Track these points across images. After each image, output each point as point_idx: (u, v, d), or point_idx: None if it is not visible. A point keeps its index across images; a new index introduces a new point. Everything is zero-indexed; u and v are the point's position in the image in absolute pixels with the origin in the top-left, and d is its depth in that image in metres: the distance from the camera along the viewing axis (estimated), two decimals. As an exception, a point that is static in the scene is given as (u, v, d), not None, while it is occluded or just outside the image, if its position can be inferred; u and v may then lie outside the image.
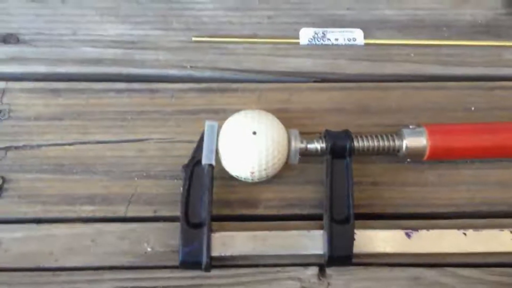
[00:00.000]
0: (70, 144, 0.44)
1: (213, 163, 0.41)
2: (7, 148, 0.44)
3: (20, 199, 0.42)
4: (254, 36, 0.49)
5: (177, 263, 0.39)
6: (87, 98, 0.46)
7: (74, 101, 0.46)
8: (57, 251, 0.41)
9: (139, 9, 0.49)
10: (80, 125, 0.45)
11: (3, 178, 0.43)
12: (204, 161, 0.41)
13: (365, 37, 0.49)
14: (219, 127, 0.42)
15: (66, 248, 0.41)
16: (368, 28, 0.49)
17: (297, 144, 0.42)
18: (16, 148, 0.44)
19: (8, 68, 0.47)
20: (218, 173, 0.42)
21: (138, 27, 0.49)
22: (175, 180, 0.43)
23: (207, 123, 0.42)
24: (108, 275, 0.40)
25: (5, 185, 0.42)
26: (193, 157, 0.42)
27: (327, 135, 0.42)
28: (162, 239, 0.41)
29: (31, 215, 0.42)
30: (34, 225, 0.41)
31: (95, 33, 0.48)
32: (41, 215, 0.42)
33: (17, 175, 0.43)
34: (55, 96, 0.46)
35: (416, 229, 0.41)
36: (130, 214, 0.42)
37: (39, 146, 0.44)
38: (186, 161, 0.42)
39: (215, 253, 0.39)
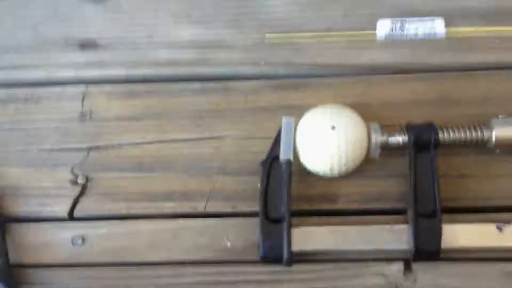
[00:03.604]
0: (149, 143, 0.45)
1: (291, 158, 0.40)
2: (89, 148, 0.45)
3: (104, 197, 0.43)
4: (329, 30, 0.48)
5: (257, 258, 0.39)
6: (163, 99, 0.46)
7: (151, 102, 0.46)
8: (141, 247, 0.41)
9: (212, 10, 0.50)
10: (158, 124, 0.45)
11: (87, 177, 0.44)
12: (282, 156, 0.40)
13: (446, 26, 0.46)
14: (296, 121, 0.41)
15: (149, 244, 0.41)
16: (449, 17, 0.47)
17: (378, 138, 0.41)
18: (98, 148, 0.45)
19: (87, 72, 0.48)
20: (296, 168, 0.41)
21: (211, 27, 0.49)
22: (252, 176, 0.43)
23: (284, 119, 0.42)
24: (190, 269, 0.40)
25: (89, 184, 0.44)
26: (270, 153, 0.41)
27: (409, 128, 0.41)
28: (242, 234, 0.41)
29: (114, 212, 0.43)
30: (117, 222, 0.42)
31: (170, 36, 0.49)
32: (124, 211, 0.43)
33: (100, 174, 0.44)
34: (133, 98, 0.47)
35: (508, 222, 0.38)
36: (209, 210, 0.42)
37: (119, 145, 0.45)
38: (262, 157, 0.42)
39: (295, 248, 0.38)
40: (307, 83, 0.46)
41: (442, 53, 0.46)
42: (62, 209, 0.43)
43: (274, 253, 0.38)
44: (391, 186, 0.41)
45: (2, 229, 0.41)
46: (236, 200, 0.42)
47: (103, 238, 0.42)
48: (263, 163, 0.41)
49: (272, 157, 0.41)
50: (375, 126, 0.41)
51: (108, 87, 0.47)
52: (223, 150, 0.44)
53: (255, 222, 0.40)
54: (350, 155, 0.40)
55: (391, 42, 0.47)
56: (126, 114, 0.46)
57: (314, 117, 0.41)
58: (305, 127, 0.41)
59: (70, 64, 0.48)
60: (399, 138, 0.41)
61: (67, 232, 0.42)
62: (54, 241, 0.42)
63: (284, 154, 0.41)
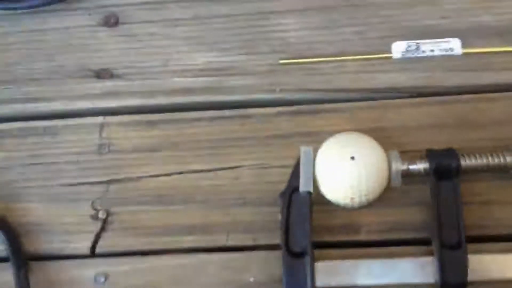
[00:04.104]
0: (167, 175, 0.45)
1: (311, 190, 0.40)
2: (109, 182, 0.45)
3: (125, 232, 0.43)
4: (343, 53, 0.48)
5: (281, 294, 0.38)
6: (180, 128, 0.46)
7: (168, 132, 0.46)
8: (163, 283, 0.41)
9: (225, 36, 0.49)
10: (175, 155, 0.45)
11: (107, 211, 0.44)
12: (302, 188, 0.40)
13: (462, 47, 0.46)
14: (314, 151, 0.41)
15: (172, 280, 0.41)
16: (465, 37, 0.46)
17: (398, 166, 0.40)
18: (118, 181, 0.45)
19: (104, 103, 0.48)
20: (316, 197, 0.41)
21: (225, 53, 0.49)
22: (272, 207, 0.42)
23: (302, 149, 0.41)
24: (215, 306, 0.40)
25: (110, 218, 0.44)
26: (289, 184, 0.41)
27: (430, 155, 0.40)
28: (264, 268, 0.41)
29: (136, 247, 0.43)
30: (139, 258, 0.42)
31: (185, 63, 0.49)
32: (145, 247, 0.43)
33: (120, 207, 0.44)
34: (150, 128, 0.46)
35: (534, 251, 0.38)
36: (231, 243, 0.42)
37: (138, 178, 0.45)
38: (281, 186, 0.41)
39: (320, 283, 0.38)
40: (323, 108, 0.46)
41: (458, 74, 0.45)
42: (84, 245, 0.43)
43: (298, 289, 0.38)
44: (413, 215, 0.41)
45: (25, 268, 0.42)
46: (256, 232, 0.42)
47: (125, 275, 0.42)
48: (282, 195, 0.41)
49: (292, 189, 0.41)
50: (395, 154, 0.41)
51: (125, 118, 0.47)
52: (241, 180, 0.44)
53: (277, 255, 0.39)
54: (371, 186, 0.40)
55: (407, 64, 0.46)
56: (144, 145, 0.46)
57: (333, 147, 0.41)
58: (324, 158, 0.41)
59: (86, 95, 0.48)
60: (420, 166, 0.40)
61: (90, 269, 0.42)
62: (77, 280, 0.42)
63: (303, 186, 0.40)
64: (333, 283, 0.38)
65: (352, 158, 0.39)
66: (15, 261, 0.41)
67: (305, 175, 0.40)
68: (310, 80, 0.47)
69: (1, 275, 0.42)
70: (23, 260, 0.42)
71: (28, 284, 0.41)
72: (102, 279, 0.42)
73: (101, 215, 0.43)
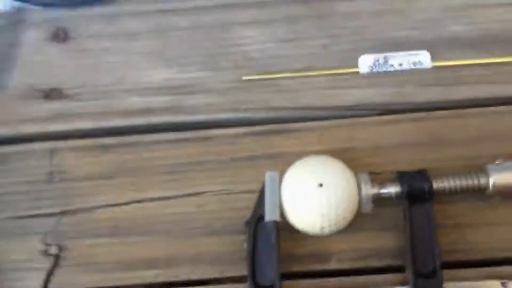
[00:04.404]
0: (125, 204, 0.42)
1: (278, 218, 0.38)
2: (61, 213, 0.42)
3: (79, 268, 0.40)
4: (309, 68, 0.45)
5: (249, 335, 0.36)
6: (138, 152, 0.43)
7: (125, 156, 0.43)
8: (121, 326, 0.38)
9: (185, 50, 0.47)
10: (134, 182, 0.42)
11: (60, 246, 0.40)
12: (268, 217, 0.38)
13: (432, 59, 0.44)
14: (281, 175, 0.39)
15: (130, 323, 0.38)
16: (435, 49, 0.44)
17: (369, 191, 0.38)
18: (70, 212, 0.42)
19: (54, 126, 0.45)
20: (284, 224, 0.38)
21: (185, 69, 0.46)
22: (238, 235, 0.40)
23: (268, 175, 0.39)
24: None
25: (62, 254, 0.40)
26: (255, 212, 0.39)
27: (402, 178, 0.38)
28: (232, 305, 0.38)
29: (91, 285, 0.39)
30: (94, 298, 0.39)
31: (141, 81, 0.46)
32: (102, 284, 0.39)
33: (73, 241, 0.41)
34: (105, 153, 0.43)
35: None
36: (195, 276, 0.39)
37: (93, 208, 0.42)
38: (247, 213, 0.39)
39: (289, 322, 0.36)
40: (289, 128, 0.43)
41: (429, 89, 0.43)
42: (34, 284, 0.39)
43: (265, 330, 0.35)
44: (385, 241, 0.39)
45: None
46: (223, 264, 0.39)
47: (80, 319, 0.39)
48: (248, 223, 0.39)
49: (257, 217, 0.38)
50: (364, 177, 0.39)
51: (77, 142, 0.44)
52: (205, 207, 0.41)
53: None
54: (341, 214, 0.37)
55: (376, 79, 0.44)
56: (98, 171, 0.43)
57: (299, 173, 0.38)
58: (290, 184, 0.38)
59: (34, 118, 0.45)
60: (392, 190, 0.38)
61: (41, 312, 0.39)
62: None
63: (269, 215, 0.38)
64: (303, 321, 0.36)
65: (321, 184, 0.37)
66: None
67: (270, 203, 0.38)
68: (276, 97, 0.44)
69: None
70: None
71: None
72: (54, 324, 0.38)
73: (53, 250, 0.40)
